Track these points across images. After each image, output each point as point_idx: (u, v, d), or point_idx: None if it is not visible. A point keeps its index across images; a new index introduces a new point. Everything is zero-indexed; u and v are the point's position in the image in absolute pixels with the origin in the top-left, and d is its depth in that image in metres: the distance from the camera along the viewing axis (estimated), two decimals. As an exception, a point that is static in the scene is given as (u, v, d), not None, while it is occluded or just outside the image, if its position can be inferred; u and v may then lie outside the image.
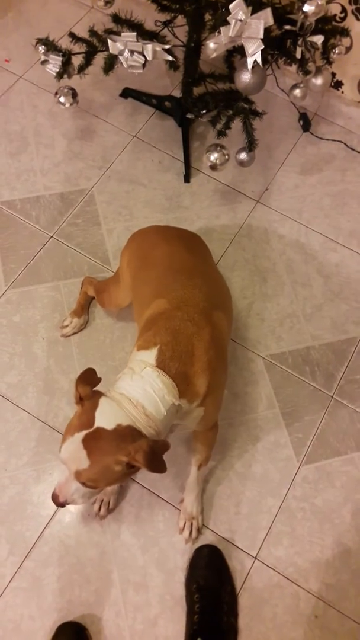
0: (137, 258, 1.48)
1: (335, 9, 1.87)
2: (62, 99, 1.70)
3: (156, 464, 1.03)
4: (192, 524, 1.51)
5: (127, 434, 1.04)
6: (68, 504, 1.12)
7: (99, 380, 1.15)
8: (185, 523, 1.51)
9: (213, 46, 1.33)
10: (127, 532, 1.52)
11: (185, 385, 1.14)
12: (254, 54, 1.29)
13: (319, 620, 1.46)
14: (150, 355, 1.13)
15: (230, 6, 1.26)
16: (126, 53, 1.47)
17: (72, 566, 1.48)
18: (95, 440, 1.04)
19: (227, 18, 1.27)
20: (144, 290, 1.36)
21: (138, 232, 1.62)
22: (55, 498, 1.12)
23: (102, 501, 1.52)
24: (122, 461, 1.03)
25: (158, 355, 1.13)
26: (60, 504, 1.12)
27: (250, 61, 1.32)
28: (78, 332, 1.75)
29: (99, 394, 1.11)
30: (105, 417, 1.05)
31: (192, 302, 1.22)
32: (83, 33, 1.72)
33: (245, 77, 1.37)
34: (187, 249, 1.46)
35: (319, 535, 1.55)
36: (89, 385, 1.11)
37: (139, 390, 1.09)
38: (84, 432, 1.04)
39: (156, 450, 1.04)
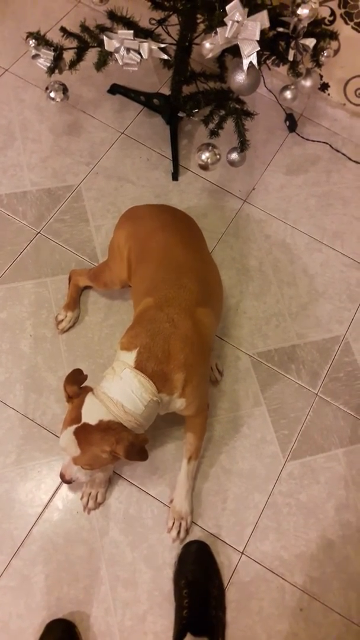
0: (136, 245, 1.52)
1: (324, 12, 1.89)
2: (52, 94, 1.68)
3: (135, 455, 1.21)
4: (180, 524, 1.52)
5: (109, 428, 1.22)
6: (73, 481, 1.32)
7: (85, 377, 1.34)
8: (174, 523, 1.52)
9: (209, 46, 1.34)
10: (116, 529, 1.52)
11: (163, 382, 1.28)
12: (249, 55, 1.30)
13: (304, 613, 1.50)
14: (130, 357, 1.28)
15: (227, 7, 1.26)
16: (122, 51, 1.46)
17: (60, 564, 1.47)
18: (83, 434, 1.23)
19: (224, 19, 1.28)
20: (139, 287, 1.47)
21: (134, 212, 1.64)
22: (62, 477, 1.32)
23: (89, 494, 1.53)
24: (106, 450, 1.21)
25: (137, 357, 1.27)
26: (67, 482, 1.33)
27: (245, 62, 1.33)
28: (73, 325, 1.74)
29: (87, 391, 1.28)
30: (89, 414, 1.23)
31: (175, 302, 1.34)
32: (70, 27, 1.69)
33: (239, 78, 1.38)
34: (182, 241, 1.50)
35: (304, 530, 1.59)
36: (75, 385, 1.30)
37: (119, 390, 1.25)
38: (74, 427, 1.23)
39: (135, 443, 1.21)
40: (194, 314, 1.35)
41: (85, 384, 1.66)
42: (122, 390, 1.24)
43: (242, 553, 1.54)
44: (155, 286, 1.38)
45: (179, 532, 1.52)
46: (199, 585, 1.44)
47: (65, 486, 1.55)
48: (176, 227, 1.55)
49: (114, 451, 1.20)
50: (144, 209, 1.65)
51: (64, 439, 1.24)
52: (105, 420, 1.22)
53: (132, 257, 1.52)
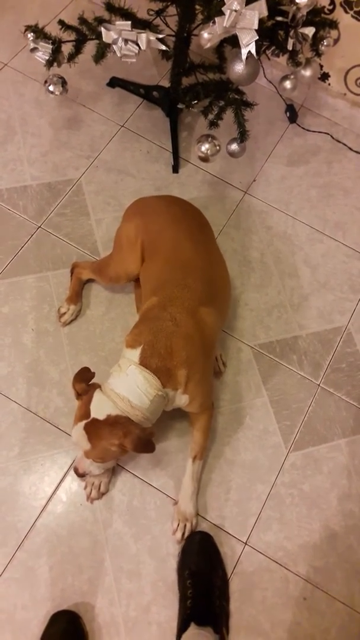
0: (147, 239, 1.54)
1: (324, 1, 1.88)
2: (51, 88, 1.68)
3: (142, 447, 1.27)
4: (185, 525, 1.52)
5: (117, 422, 1.27)
6: (87, 474, 1.38)
7: (92, 375, 1.39)
8: (178, 524, 1.52)
9: (207, 36, 1.33)
10: (119, 521, 1.53)
11: (168, 377, 1.32)
12: (248, 44, 1.30)
13: (308, 602, 1.50)
14: (134, 354, 1.33)
15: (225, -4, 1.26)
16: (120, 42, 1.46)
17: (64, 556, 1.48)
18: (92, 429, 1.28)
19: (222, 8, 1.27)
20: (147, 285, 1.51)
21: (143, 205, 1.65)
22: (76, 470, 1.38)
23: (93, 484, 1.54)
24: (115, 444, 1.26)
25: (141, 354, 1.32)
26: (81, 475, 1.38)
27: (244, 52, 1.32)
28: (75, 318, 1.75)
29: (95, 388, 1.33)
30: (98, 409, 1.29)
31: (178, 302, 1.38)
32: (69, 20, 1.69)
33: (238, 68, 1.37)
34: (191, 238, 1.52)
35: (307, 520, 1.59)
36: (83, 382, 1.35)
37: (125, 386, 1.30)
38: (84, 422, 1.29)
39: (142, 436, 1.26)
40: (197, 314, 1.39)
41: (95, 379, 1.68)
42: (128, 386, 1.29)
43: (246, 543, 1.54)
44: (160, 285, 1.44)
45: (183, 534, 1.51)
46: (203, 575, 1.45)
47: (68, 479, 1.55)
48: (186, 223, 1.57)
49: (122, 444, 1.26)
50: (153, 201, 1.66)
51: (75, 434, 1.30)
52: (113, 415, 1.27)
53: (145, 251, 1.54)
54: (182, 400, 1.39)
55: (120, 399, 1.28)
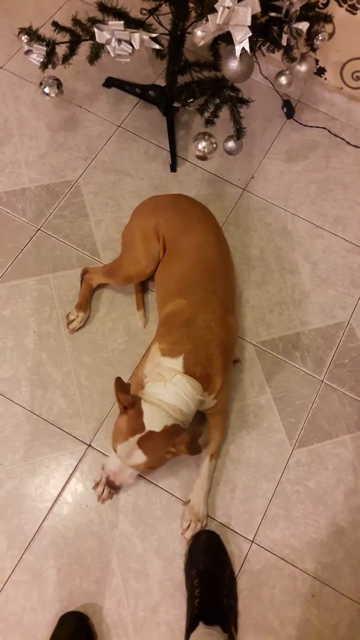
0: (168, 236, 1.55)
1: (317, -5, 1.87)
2: (47, 90, 1.68)
3: (194, 449, 1.30)
4: (196, 526, 1.50)
5: (172, 431, 1.30)
6: (122, 486, 1.39)
7: (129, 385, 1.36)
8: (189, 525, 1.51)
9: (200, 34, 1.33)
10: (126, 521, 1.53)
11: (208, 384, 1.38)
12: (241, 41, 1.29)
13: (316, 599, 1.50)
14: (177, 363, 1.35)
15: (217, -7, 1.25)
16: (113, 42, 1.46)
17: (71, 557, 1.48)
18: (149, 441, 1.29)
19: (215, 5, 1.26)
20: (169, 284, 1.51)
21: (160, 202, 1.67)
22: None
23: (104, 485, 1.53)
24: (172, 452, 1.30)
25: (184, 363, 1.35)
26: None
27: (238, 49, 1.31)
28: (84, 325, 1.74)
29: (138, 400, 1.33)
30: (153, 422, 1.30)
31: (209, 309, 1.42)
32: (64, 21, 1.69)
33: (232, 65, 1.37)
34: (215, 242, 1.54)
35: (313, 516, 1.59)
36: (126, 394, 1.33)
37: (174, 395, 1.32)
38: (138, 436, 1.28)
39: (194, 439, 1.30)
40: (226, 321, 1.44)
41: (91, 377, 1.68)
42: (177, 395, 1.32)
43: (252, 541, 1.54)
44: (187, 287, 1.45)
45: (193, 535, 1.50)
46: (210, 574, 1.45)
47: (73, 480, 1.56)
48: (209, 224, 1.59)
49: (178, 451, 1.29)
50: (171, 199, 1.69)
51: (125, 449, 1.29)
52: (169, 425, 1.30)
53: (166, 247, 1.56)
54: (211, 403, 1.44)
55: (172, 408, 1.31)
